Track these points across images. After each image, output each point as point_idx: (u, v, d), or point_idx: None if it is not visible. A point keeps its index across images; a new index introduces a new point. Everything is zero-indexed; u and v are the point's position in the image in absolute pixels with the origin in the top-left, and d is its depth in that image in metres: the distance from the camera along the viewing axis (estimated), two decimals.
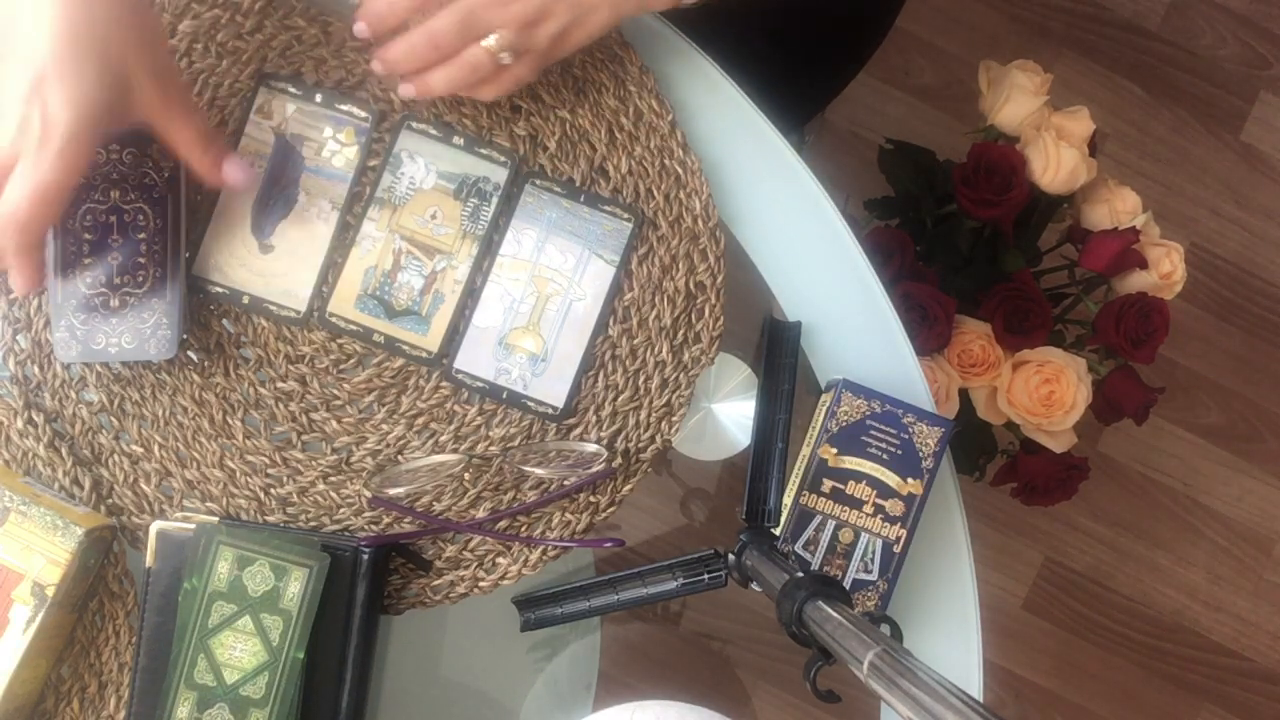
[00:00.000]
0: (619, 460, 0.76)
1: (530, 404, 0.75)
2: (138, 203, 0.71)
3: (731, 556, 0.70)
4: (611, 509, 0.76)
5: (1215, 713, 1.67)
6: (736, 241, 0.78)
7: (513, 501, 0.76)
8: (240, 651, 0.70)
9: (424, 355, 0.75)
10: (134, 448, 0.75)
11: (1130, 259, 1.13)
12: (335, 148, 0.75)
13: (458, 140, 0.75)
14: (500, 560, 0.76)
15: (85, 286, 0.71)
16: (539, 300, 0.76)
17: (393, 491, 0.74)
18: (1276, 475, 1.69)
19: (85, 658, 0.73)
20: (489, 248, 0.76)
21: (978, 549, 0.77)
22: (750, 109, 0.78)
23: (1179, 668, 1.67)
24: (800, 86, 1.07)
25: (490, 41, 0.68)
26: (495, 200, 0.75)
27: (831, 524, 0.72)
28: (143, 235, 0.71)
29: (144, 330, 0.71)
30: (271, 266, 0.75)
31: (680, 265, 0.76)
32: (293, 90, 0.75)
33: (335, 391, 0.76)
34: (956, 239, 1.18)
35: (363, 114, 0.75)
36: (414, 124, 0.75)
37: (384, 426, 0.76)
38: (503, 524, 0.75)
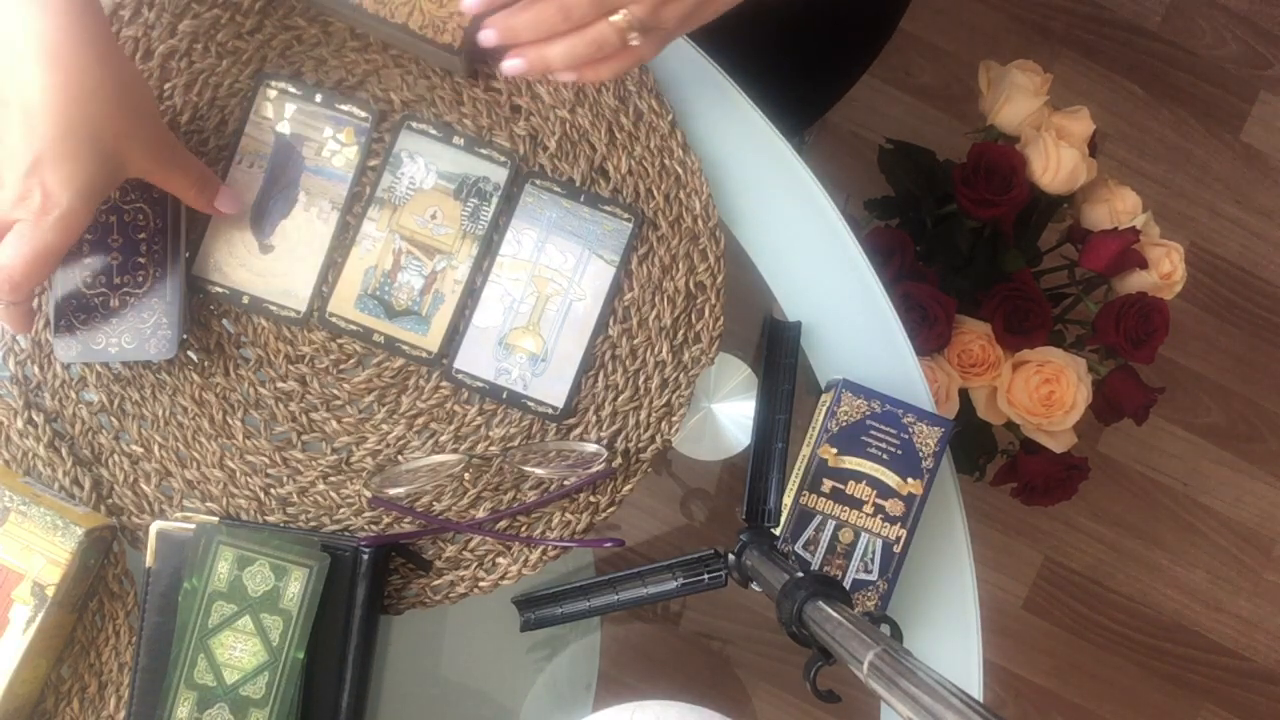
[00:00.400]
0: (619, 460, 0.76)
1: (530, 404, 0.75)
2: (137, 202, 0.71)
3: (731, 556, 0.70)
4: (611, 509, 0.76)
5: (1215, 713, 1.67)
6: (736, 241, 0.78)
7: (513, 501, 0.76)
8: (240, 651, 0.70)
9: (424, 355, 0.75)
10: (134, 448, 0.75)
11: (1130, 259, 1.13)
12: (335, 148, 0.75)
13: (458, 140, 0.75)
14: (500, 560, 0.76)
15: (85, 286, 0.71)
16: (539, 300, 0.76)
17: (393, 491, 0.74)
18: (1276, 475, 1.69)
19: (85, 658, 0.73)
20: (489, 248, 0.76)
21: (978, 549, 0.77)
22: (750, 109, 0.78)
23: (1179, 668, 1.67)
24: (803, 91, 1.07)
25: (619, 17, 0.64)
26: (495, 200, 0.75)
27: (831, 524, 0.72)
28: (142, 235, 0.71)
29: (144, 330, 0.71)
30: (271, 266, 0.75)
31: (680, 265, 0.76)
32: (293, 90, 0.75)
33: (335, 391, 0.76)
34: (956, 239, 1.18)
35: (363, 114, 0.75)
36: (414, 124, 0.75)
37: (384, 426, 0.76)
38: (503, 524, 0.75)
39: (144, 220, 0.71)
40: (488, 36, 0.67)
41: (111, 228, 0.71)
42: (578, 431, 0.76)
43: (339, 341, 0.76)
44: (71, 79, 0.61)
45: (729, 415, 0.77)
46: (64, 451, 0.74)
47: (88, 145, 0.62)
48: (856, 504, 0.72)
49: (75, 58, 0.61)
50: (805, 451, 0.74)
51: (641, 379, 0.76)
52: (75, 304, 0.71)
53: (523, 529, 0.76)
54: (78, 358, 0.72)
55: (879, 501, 0.72)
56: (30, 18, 0.60)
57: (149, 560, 0.71)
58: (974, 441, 1.19)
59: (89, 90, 0.62)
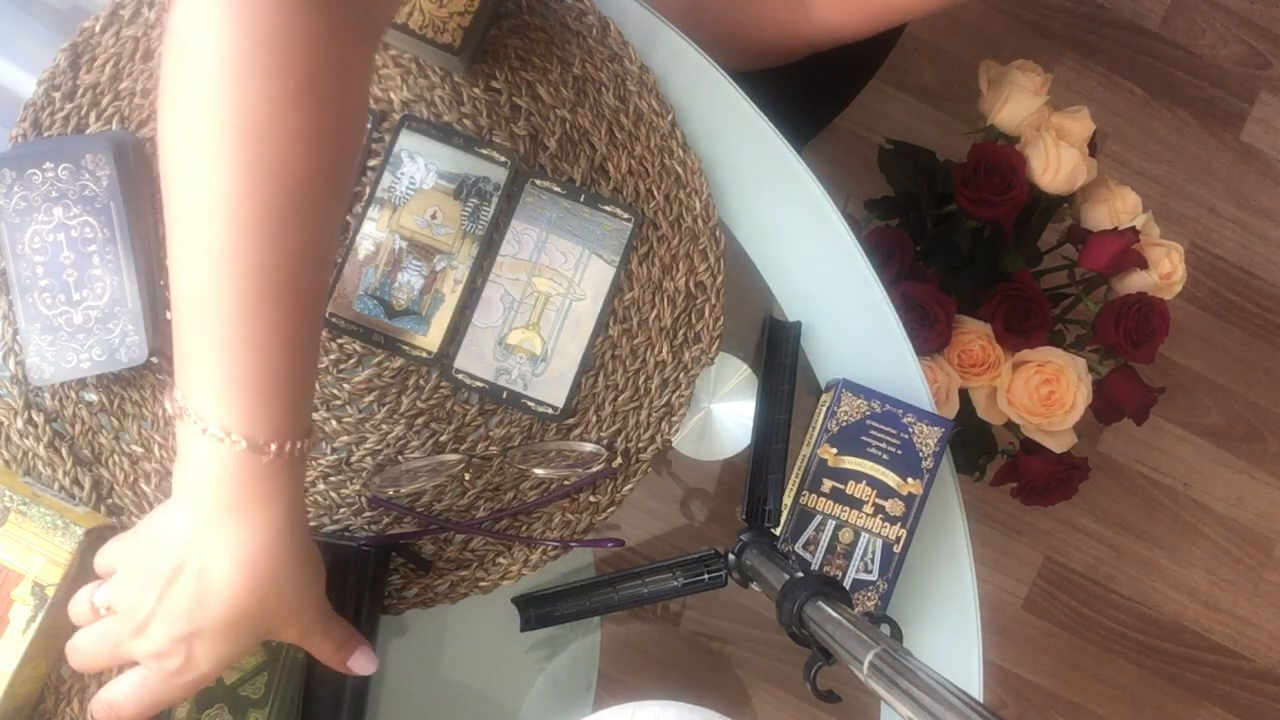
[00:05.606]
0: (619, 460, 0.76)
1: (530, 404, 0.75)
2: (82, 216, 0.71)
3: (731, 556, 0.70)
4: (611, 509, 0.76)
5: (1215, 713, 1.67)
6: (736, 241, 0.78)
7: (513, 501, 0.76)
8: None
9: (424, 355, 0.75)
10: (134, 448, 0.75)
11: (1130, 259, 1.13)
12: None
13: (458, 140, 0.75)
14: (500, 560, 0.76)
15: (46, 308, 0.71)
16: (539, 300, 0.76)
17: (393, 491, 0.74)
18: (1276, 475, 1.69)
19: None
20: (489, 248, 0.76)
21: (978, 549, 0.77)
22: (750, 108, 0.78)
23: (1179, 668, 1.67)
24: (808, 105, 1.07)
25: None
26: (495, 200, 0.75)
27: (831, 524, 0.72)
28: (93, 247, 0.71)
29: (112, 340, 0.71)
30: None
31: (680, 265, 0.76)
32: None
33: (335, 391, 0.76)
34: (956, 239, 1.18)
35: None
36: (414, 124, 0.75)
37: (384, 426, 0.76)
38: (503, 524, 0.75)
39: (91, 233, 0.71)
40: None
41: (61, 246, 0.71)
42: (578, 431, 0.76)
43: (339, 341, 0.76)
44: (260, 584, 0.60)
45: (729, 415, 0.77)
46: (64, 451, 0.74)
47: (249, 632, 0.61)
48: (856, 504, 0.72)
49: (269, 569, 0.60)
50: (805, 451, 0.74)
51: (641, 379, 0.76)
52: (40, 327, 0.71)
53: (523, 529, 0.76)
54: (51, 379, 0.71)
55: (879, 501, 0.72)
56: (238, 528, 0.59)
57: None
58: (974, 441, 1.19)
59: (272, 593, 0.60)
